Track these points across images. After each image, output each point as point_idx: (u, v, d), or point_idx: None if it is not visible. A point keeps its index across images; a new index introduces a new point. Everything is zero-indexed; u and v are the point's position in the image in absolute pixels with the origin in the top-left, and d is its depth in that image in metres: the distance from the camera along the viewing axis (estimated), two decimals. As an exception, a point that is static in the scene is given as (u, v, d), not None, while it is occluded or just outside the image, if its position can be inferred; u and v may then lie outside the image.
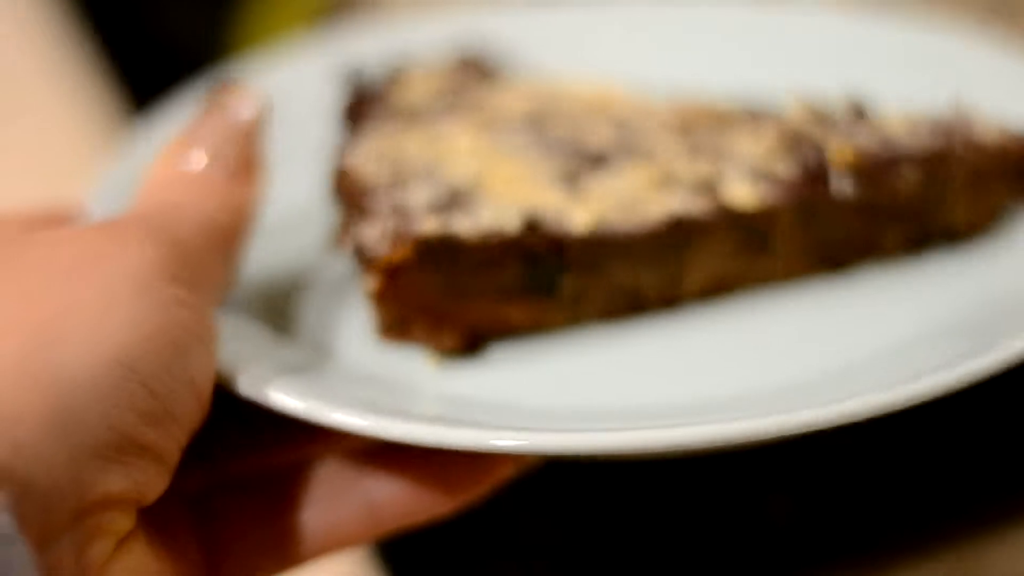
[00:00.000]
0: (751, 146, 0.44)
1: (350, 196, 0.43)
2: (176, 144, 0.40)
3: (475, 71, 0.51)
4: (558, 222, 0.41)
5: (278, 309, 0.43)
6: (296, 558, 0.38)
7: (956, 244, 0.45)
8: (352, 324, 0.42)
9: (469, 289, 0.41)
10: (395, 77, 0.49)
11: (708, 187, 0.42)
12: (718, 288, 0.43)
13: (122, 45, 0.79)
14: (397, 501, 0.37)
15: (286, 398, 0.35)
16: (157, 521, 0.36)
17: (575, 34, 0.54)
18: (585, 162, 0.44)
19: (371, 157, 0.44)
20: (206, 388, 0.34)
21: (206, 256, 0.36)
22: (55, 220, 0.41)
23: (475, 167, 0.43)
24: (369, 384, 0.39)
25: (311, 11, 0.78)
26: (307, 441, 0.38)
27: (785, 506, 0.50)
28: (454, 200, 0.41)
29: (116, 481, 0.31)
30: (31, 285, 0.32)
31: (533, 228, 0.40)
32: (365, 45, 0.53)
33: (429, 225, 0.40)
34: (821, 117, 0.45)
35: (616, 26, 0.55)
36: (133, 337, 0.32)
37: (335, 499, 0.37)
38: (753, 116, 0.46)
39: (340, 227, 0.43)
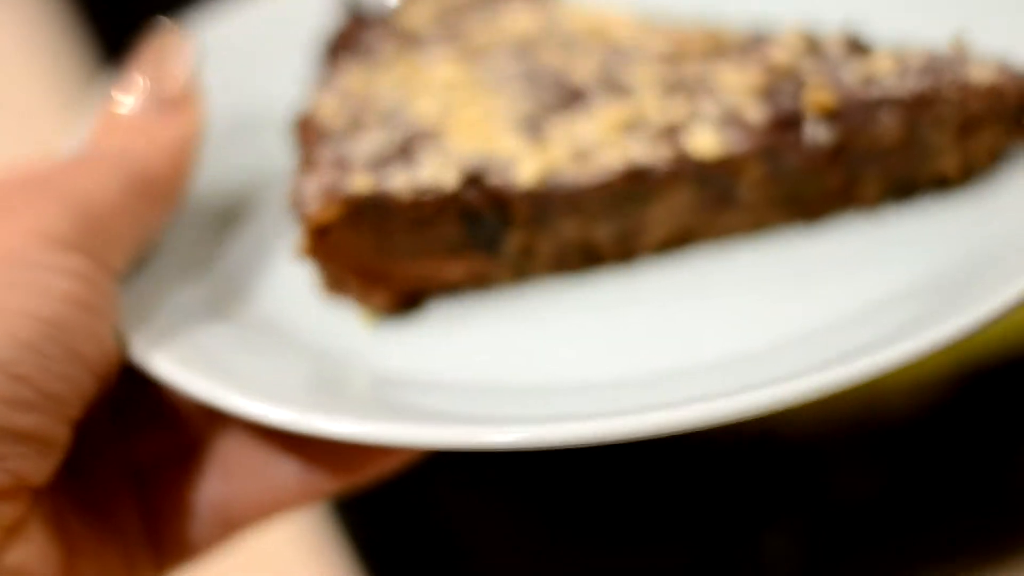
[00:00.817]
0: (734, 82, 0.41)
1: (305, 142, 0.41)
2: (112, 90, 0.40)
3: None
4: (504, 174, 0.39)
5: (221, 257, 0.42)
6: (225, 528, 0.37)
7: (948, 192, 0.42)
8: (294, 280, 0.41)
9: (405, 248, 0.39)
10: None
11: (672, 133, 0.40)
12: (679, 241, 0.41)
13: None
14: (298, 480, 0.36)
15: (185, 380, 0.35)
16: (90, 495, 0.36)
17: None
18: (561, 99, 0.42)
19: (337, 98, 0.43)
20: (100, 359, 0.34)
21: (116, 206, 0.36)
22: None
23: (439, 107, 0.41)
24: (294, 359, 0.38)
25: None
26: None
27: (779, 544, 0.47)
28: (405, 148, 0.40)
29: None
30: None
31: (474, 182, 0.39)
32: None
33: (361, 183, 0.38)
34: (814, 49, 0.42)
35: None
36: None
37: (244, 474, 0.37)
38: (746, 46, 0.43)
39: (293, 175, 0.41)
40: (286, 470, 0.36)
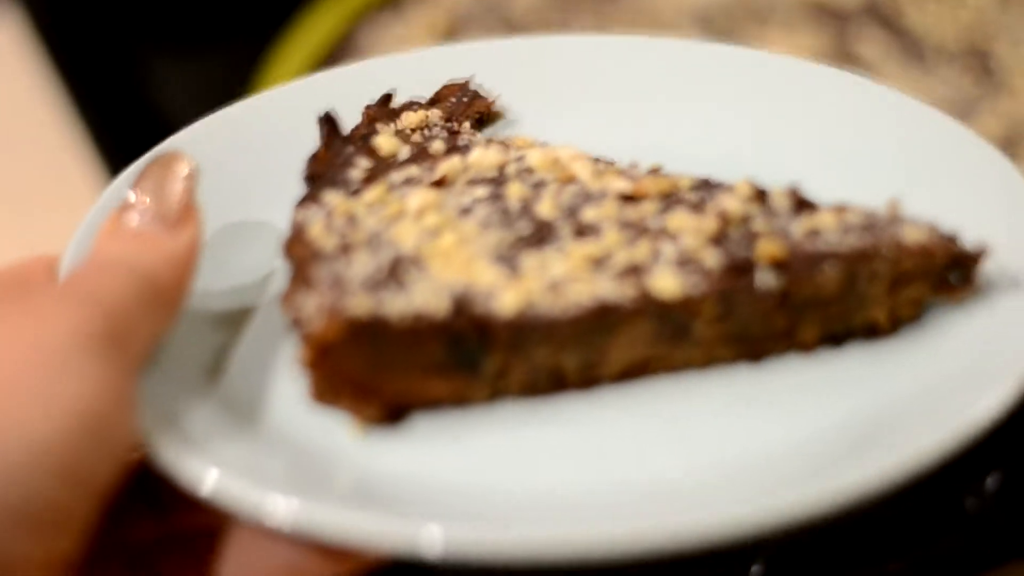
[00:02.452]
0: (689, 227, 0.46)
1: (298, 259, 0.46)
2: (119, 204, 0.44)
3: (463, 108, 0.53)
4: (486, 303, 0.43)
5: (220, 355, 0.46)
6: None
7: (877, 339, 0.47)
8: (287, 383, 0.45)
9: (396, 366, 0.44)
10: (375, 118, 0.52)
11: (636, 273, 0.45)
12: (638, 371, 0.46)
13: (117, 113, 0.83)
14: (291, 568, 0.40)
15: (197, 480, 0.39)
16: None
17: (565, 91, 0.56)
18: (530, 232, 0.46)
19: (323, 217, 0.47)
20: (121, 450, 0.38)
21: (134, 311, 0.40)
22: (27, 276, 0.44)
23: (417, 233, 0.46)
24: (284, 457, 0.42)
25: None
26: None
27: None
28: (393, 272, 0.44)
29: (31, 547, 0.35)
30: None
31: (461, 310, 0.43)
32: (353, 86, 0.55)
33: (361, 305, 0.43)
34: (762, 200, 0.47)
35: (608, 62, 0.57)
36: (44, 415, 0.35)
37: (248, 561, 0.41)
38: (699, 192, 0.48)
39: (287, 288, 0.45)
40: (281, 557, 0.40)
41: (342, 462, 0.43)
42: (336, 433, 0.44)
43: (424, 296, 0.43)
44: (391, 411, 0.44)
